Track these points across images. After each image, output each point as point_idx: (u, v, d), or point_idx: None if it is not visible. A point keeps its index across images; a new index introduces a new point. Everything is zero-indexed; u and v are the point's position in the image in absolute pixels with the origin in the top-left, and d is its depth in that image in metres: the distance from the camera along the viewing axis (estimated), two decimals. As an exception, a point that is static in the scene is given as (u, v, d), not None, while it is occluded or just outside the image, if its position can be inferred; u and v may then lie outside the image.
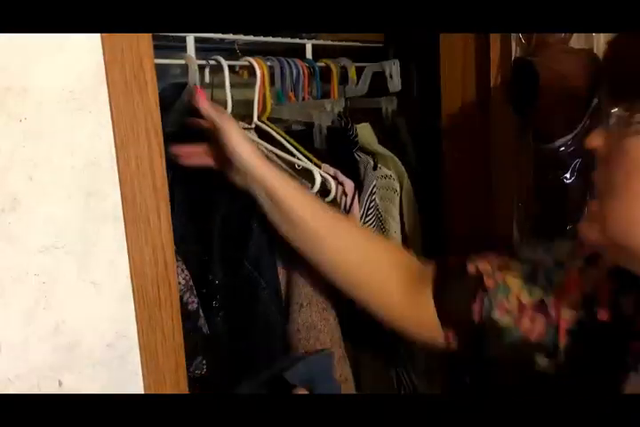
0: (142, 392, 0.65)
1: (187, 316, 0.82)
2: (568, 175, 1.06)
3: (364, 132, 1.23)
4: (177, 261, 0.79)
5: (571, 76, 0.97)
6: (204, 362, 0.84)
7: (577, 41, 1.05)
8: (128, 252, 0.62)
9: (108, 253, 0.61)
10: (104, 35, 0.59)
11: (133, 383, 0.64)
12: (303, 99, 1.19)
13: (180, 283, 0.79)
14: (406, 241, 1.25)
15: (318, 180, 0.99)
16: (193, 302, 0.82)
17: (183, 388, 0.68)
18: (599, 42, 1.03)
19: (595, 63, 1.02)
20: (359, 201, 1.07)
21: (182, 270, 0.80)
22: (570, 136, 1.01)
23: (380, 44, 1.46)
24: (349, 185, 1.05)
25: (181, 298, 0.80)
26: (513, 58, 1.07)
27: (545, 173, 1.06)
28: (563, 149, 1.02)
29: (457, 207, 1.26)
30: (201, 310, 0.84)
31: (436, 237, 1.32)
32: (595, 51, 1.03)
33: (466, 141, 1.22)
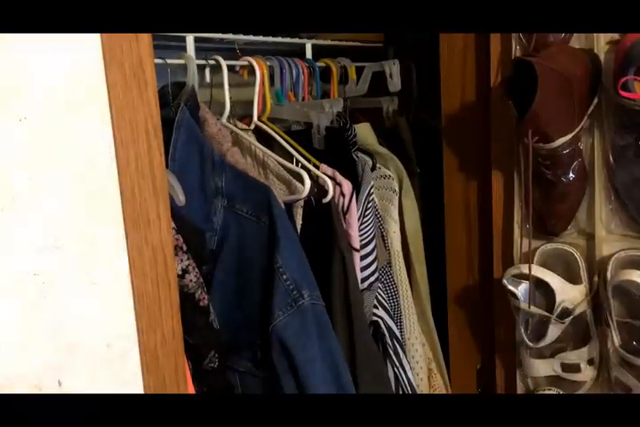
0: (142, 392, 0.65)
1: (199, 312, 0.83)
2: (568, 175, 1.06)
3: (364, 132, 1.23)
4: (187, 259, 0.79)
5: (571, 76, 0.97)
6: (217, 356, 0.85)
7: (577, 41, 1.05)
8: (128, 252, 0.62)
9: (108, 253, 0.61)
10: (104, 35, 0.59)
11: (133, 383, 0.64)
12: (303, 99, 1.19)
13: (191, 281, 0.80)
14: (405, 241, 1.25)
15: (307, 184, 0.98)
16: (204, 298, 0.83)
17: (183, 388, 0.68)
18: (599, 42, 1.03)
19: (595, 63, 1.02)
20: (357, 202, 1.07)
21: (193, 268, 0.80)
22: (569, 136, 1.01)
23: (380, 44, 1.46)
24: (347, 186, 1.05)
25: (193, 295, 0.81)
26: (512, 58, 1.07)
27: (545, 173, 1.06)
28: (562, 148, 1.01)
29: (456, 207, 1.26)
30: (211, 307, 0.85)
31: (436, 236, 1.32)
32: (595, 51, 1.03)
33: (466, 141, 1.22)
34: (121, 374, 0.63)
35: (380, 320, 1.13)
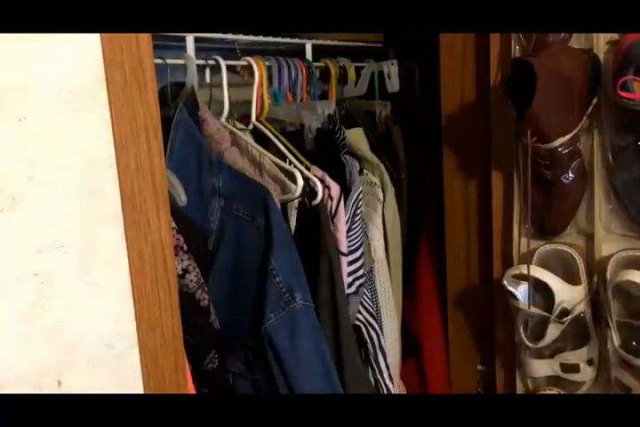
0: (142, 392, 0.65)
1: (200, 312, 0.83)
2: (567, 175, 1.06)
3: (356, 137, 1.23)
4: (188, 259, 0.79)
5: (570, 77, 0.97)
6: (217, 356, 0.85)
7: (576, 41, 1.05)
8: (127, 251, 0.62)
9: (108, 253, 0.61)
10: (104, 35, 0.59)
11: (133, 383, 0.64)
12: (301, 99, 1.19)
13: (191, 281, 0.80)
14: (387, 249, 1.25)
15: (300, 183, 0.98)
16: (204, 298, 0.83)
17: (183, 388, 0.68)
18: (599, 42, 1.03)
19: (594, 63, 1.02)
20: (345, 206, 1.07)
21: (193, 268, 0.80)
22: (568, 136, 1.01)
23: (380, 44, 1.46)
24: (335, 189, 1.04)
25: (193, 295, 0.81)
26: (512, 58, 1.07)
27: (544, 173, 1.06)
28: (561, 149, 1.01)
29: (456, 207, 1.26)
30: (212, 307, 0.84)
31: (416, 246, 1.34)
32: (594, 51, 1.03)
33: (466, 141, 1.22)
34: (121, 374, 0.63)
35: (362, 325, 1.14)
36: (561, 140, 1.00)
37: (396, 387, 1.22)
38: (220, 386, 0.89)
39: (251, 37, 1.12)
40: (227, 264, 0.93)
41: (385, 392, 1.17)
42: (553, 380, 1.15)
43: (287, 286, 0.90)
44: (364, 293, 1.14)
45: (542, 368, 1.13)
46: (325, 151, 1.13)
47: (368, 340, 1.15)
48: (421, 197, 1.36)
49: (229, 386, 0.92)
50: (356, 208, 1.09)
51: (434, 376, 1.41)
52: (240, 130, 1.06)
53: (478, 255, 1.26)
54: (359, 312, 1.13)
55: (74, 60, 0.57)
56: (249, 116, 1.09)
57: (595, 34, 1.03)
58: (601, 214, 1.07)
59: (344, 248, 1.06)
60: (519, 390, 1.20)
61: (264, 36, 1.14)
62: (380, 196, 1.21)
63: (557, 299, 1.06)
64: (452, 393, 1.34)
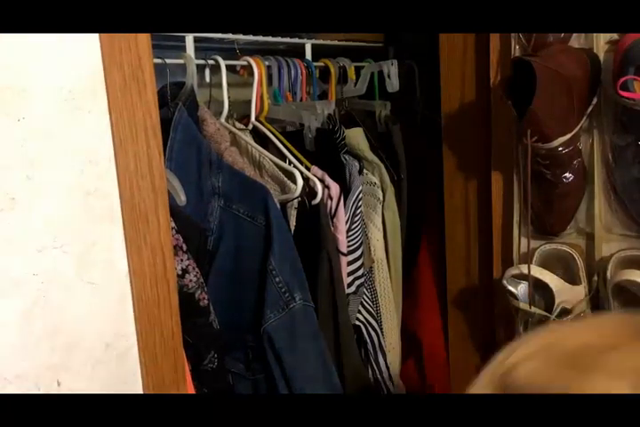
0: (141, 392, 0.65)
1: (199, 312, 0.83)
2: (567, 175, 1.06)
3: (356, 137, 1.23)
4: (188, 259, 0.79)
5: (570, 77, 0.97)
6: (216, 356, 0.85)
7: (576, 41, 1.05)
8: (127, 252, 0.62)
9: (107, 253, 0.61)
10: (103, 35, 0.59)
11: (133, 383, 0.64)
12: (301, 99, 1.19)
13: (191, 280, 0.80)
14: (387, 249, 1.25)
15: (299, 183, 0.99)
16: (204, 298, 0.83)
17: (182, 388, 0.68)
18: (599, 42, 1.03)
19: (594, 63, 1.02)
20: (345, 206, 1.07)
21: (193, 268, 0.80)
22: (568, 136, 1.00)
23: (381, 44, 1.46)
24: (335, 189, 1.04)
25: (193, 295, 0.81)
26: (512, 58, 1.06)
27: (544, 173, 1.06)
28: (561, 148, 1.01)
29: (456, 207, 1.26)
30: (211, 306, 0.84)
31: (417, 242, 1.33)
32: (594, 50, 1.03)
33: (466, 141, 1.22)
34: (120, 374, 0.63)
35: (362, 325, 1.14)
36: (561, 139, 1.00)
37: (396, 387, 1.22)
38: (220, 386, 0.89)
39: (251, 37, 1.12)
40: (226, 264, 0.93)
41: (385, 392, 1.17)
42: (553, 380, 1.15)
43: (287, 285, 0.90)
44: (364, 292, 1.14)
45: (542, 368, 1.13)
46: (325, 151, 1.13)
47: (368, 340, 1.15)
48: (421, 198, 1.36)
49: (229, 386, 0.92)
50: (356, 208, 1.09)
51: (434, 376, 1.41)
52: (240, 130, 1.06)
53: (478, 255, 1.25)
54: (359, 312, 1.13)
55: (73, 60, 0.58)
56: (249, 116, 1.09)
57: (595, 34, 1.03)
58: (601, 214, 1.07)
59: (344, 248, 1.06)
60: (519, 390, 1.20)
61: (264, 36, 1.14)
62: (380, 196, 1.21)
63: (557, 299, 1.05)
64: (451, 393, 1.34)
